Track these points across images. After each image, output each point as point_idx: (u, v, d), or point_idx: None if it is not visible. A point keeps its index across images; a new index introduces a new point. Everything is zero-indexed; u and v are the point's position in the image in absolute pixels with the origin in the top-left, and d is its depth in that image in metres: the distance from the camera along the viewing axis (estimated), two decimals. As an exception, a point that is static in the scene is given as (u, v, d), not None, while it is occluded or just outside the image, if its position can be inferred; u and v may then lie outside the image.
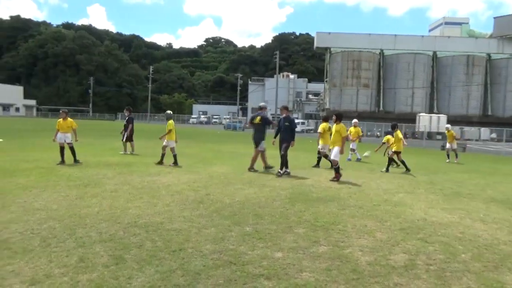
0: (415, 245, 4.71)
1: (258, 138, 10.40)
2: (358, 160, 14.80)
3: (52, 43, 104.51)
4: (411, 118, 46.79)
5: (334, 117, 9.84)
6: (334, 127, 9.65)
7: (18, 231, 4.62)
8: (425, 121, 43.20)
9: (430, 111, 53.21)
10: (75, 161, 10.69)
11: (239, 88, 78.96)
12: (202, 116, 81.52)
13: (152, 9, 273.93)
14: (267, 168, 10.50)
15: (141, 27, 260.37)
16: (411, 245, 4.68)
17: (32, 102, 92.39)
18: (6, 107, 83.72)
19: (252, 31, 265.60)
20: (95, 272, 3.53)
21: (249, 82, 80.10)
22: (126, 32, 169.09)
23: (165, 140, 11.47)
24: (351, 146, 15.02)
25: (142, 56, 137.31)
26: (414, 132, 44.70)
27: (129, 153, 13.92)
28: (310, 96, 74.22)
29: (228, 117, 71.56)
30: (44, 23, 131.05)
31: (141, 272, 3.56)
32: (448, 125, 18.59)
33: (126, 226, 4.98)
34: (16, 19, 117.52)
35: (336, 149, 9.45)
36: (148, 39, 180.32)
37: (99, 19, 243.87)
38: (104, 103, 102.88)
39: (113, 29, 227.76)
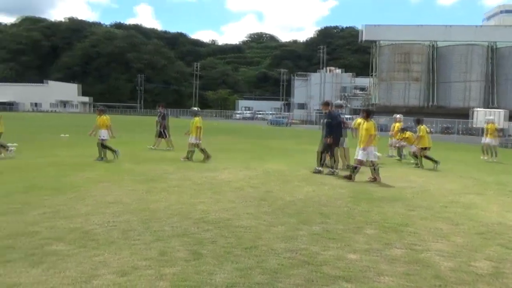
0: (497, 251, 4.43)
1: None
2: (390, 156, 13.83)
3: (104, 42, 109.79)
4: (464, 114, 44.28)
5: (363, 114, 9.34)
6: (365, 124, 8.92)
7: (97, 223, 4.87)
8: (482, 116, 40.69)
9: (486, 105, 50.05)
10: (100, 158, 10.51)
11: (282, 83, 78.62)
12: (246, 112, 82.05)
13: (196, 6, 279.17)
14: (347, 167, 10.08)
15: (186, 24, 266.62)
16: (492, 251, 4.41)
17: (87, 99, 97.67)
18: (64, 104, 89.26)
19: (294, 26, 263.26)
20: (177, 266, 3.64)
21: (293, 77, 79.43)
22: (172, 29, 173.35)
23: (192, 137, 11.31)
24: (390, 142, 13.97)
25: (187, 53, 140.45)
26: (469, 128, 42.29)
27: (165, 148, 13.95)
28: (357, 91, 72.40)
29: (272, 112, 71.62)
30: (96, 23, 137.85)
31: (220, 268, 3.62)
32: (491, 117, 16.83)
33: (196, 221, 5.10)
34: (71, 21, 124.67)
35: (363, 148, 8.72)
36: (192, 36, 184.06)
37: (146, 18, 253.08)
38: (152, 99, 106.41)
39: (159, 27, 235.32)
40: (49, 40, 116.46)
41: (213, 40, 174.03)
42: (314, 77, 73.28)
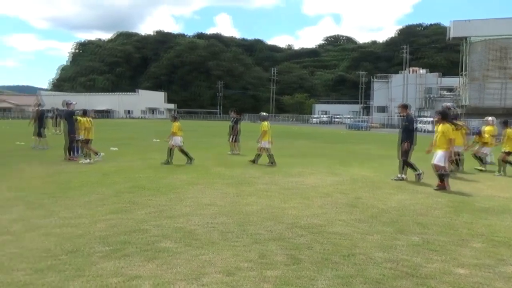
0: None
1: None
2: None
3: (188, 52, 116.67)
4: None
5: (437, 117, 8.54)
6: (440, 127, 8.20)
7: (198, 224, 5.19)
8: None
9: None
10: (166, 162, 10.93)
11: (361, 86, 76.12)
12: (323, 116, 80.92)
13: (272, 13, 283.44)
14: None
15: (263, 31, 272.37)
16: None
17: (172, 106, 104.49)
18: (152, 111, 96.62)
19: (374, 26, 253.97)
20: (278, 269, 3.73)
21: (373, 79, 76.45)
22: (249, 37, 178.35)
23: (261, 142, 11.45)
24: (482, 150, 11.57)
25: (264, 59, 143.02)
26: None
27: (236, 153, 14.15)
28: (444, 92, 67.27)
29: (351, 116, 69.66)
30: (181, 35, 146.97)
31: (321, 275, 3.63)
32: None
33: (289, 226, 5.18)
34: (159, 33, 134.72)
35: (440, 153, 8.01)
36: (269, 42, 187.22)
37: (225, 27, 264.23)
38: (231, 105, 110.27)
39: (237, 35, 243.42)
40: (140, 52, 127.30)
41: (289, 45, 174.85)
42: (396, 78, 69.80)
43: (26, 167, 10.24)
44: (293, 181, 8.56)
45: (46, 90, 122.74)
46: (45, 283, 3.37)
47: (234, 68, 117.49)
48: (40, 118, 15.64)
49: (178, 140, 11.30)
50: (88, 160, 11.21)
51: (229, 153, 14.29)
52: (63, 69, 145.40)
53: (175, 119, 11.65)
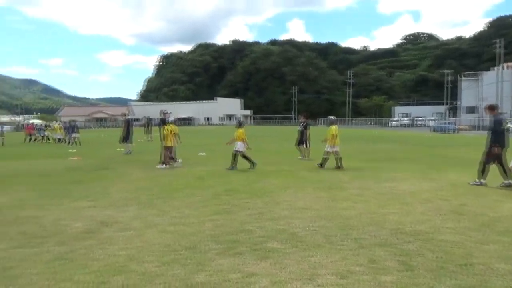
0: None
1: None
2: None
3: (262, 59, 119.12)
4: None
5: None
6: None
7: (299, 227, 5.30)
8: None
9: None
10: (231, 167, 11.19)
11: (446, 85, 70.85)
12: (404, 119, 76.78)
13: (345, 15, 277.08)
14: None
15: (336, 33, 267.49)
16: None
17: (248, 112, 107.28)
18: (230, 117, 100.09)
19: (457, 20, 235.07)
20: (392, 275, 3.67)
21: (460, 78, 70.68)
22: (323, 40, 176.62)
23: (328, 145, 11.35)
24: None
25: (338, 62, 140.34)
26: None
27: (305, 159, 13.83)
28: (547, 89, 59.72)
29: (435, 118, 65.18)
30: (256, 43, 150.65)
31: (439, 283, 3.49)
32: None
33: (393, 232, 5.04)
34: (235, 42, 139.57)
35: None
36: (343, 44, 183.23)
37: (298, 32, 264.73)
38: (306, 109, 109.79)
39: (310, 39, 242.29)
40: (217, 62, 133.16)
41: (364, 46, 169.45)
42: (487, 76, 63.80)
43: (129, 171, 11.31)
44: (387, 186, 8.29)
45: (135, 100, 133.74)
46: (173, 274, 3.72)
47: (308, 73, 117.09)
48: (127, 126, 17.23)
49: (240, 145, 11.46)
50: (164, 166, 11.89)
51: (299, 158, 14.11)
52: (149, 80, 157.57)
53: (240, 125, 11.86)
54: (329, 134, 11.42)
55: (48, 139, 28.78)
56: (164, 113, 13.25)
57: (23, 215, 6.22)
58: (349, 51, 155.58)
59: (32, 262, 4.11)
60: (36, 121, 52.86)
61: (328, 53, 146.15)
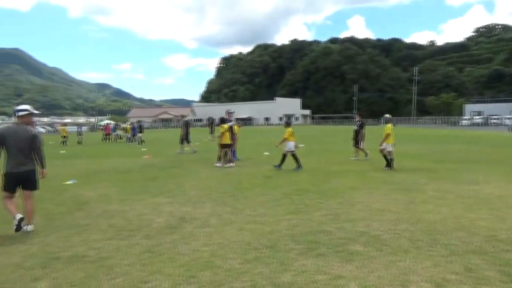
0: None
1: None
2: None
3: (322, 58, 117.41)
4: None
5: None
6: None
7: (380, 230, 5.07)
8: None
9: None
10: (278, 166, 11.13)
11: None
12: (476, 117, 71.22)
13: (410, 9, 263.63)
14: None
15: (400, 29, 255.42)
16: None
17: (307, 112, 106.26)
18: (288, 117, 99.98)
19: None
20: (495, 286, 3.36)
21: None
22: (385, 37, 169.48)
23: (383, 144, 11.02)
24: None
25: (402, 59, 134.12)
26: None
27: (358, 158, 13.28)
28: None
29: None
30: (315, 41, 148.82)
31: (553, 298, 3.14)
32: None
33: (487, 239, 4.64)
34: (294, 42, 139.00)
35: None
36: (407, 40, 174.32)
37: (358, 29, 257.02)
38: (367, 109, 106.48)
39: (371, 36, 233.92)
40: (276, 62, 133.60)
41: (431, 41, 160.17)
42: None
43: (198, 169, 11.68)
44: (470, 189, 7.69)
45: (197, 102, 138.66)
46: (258, 273, 3.73)
47: (370, 70, 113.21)
48: (186, 127, 17.82)
49: (291, 145, 11.35)
50: (219, 164, 12.14)
51: (352, 158, 13.58)
52: (210, 82, 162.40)
53: (288, 125, 11.73)
54: (384, 133, 11.13)
55: (120, 138, 30.86)
56: (229, 112, 13.53)
57: (110, 208, 6.66)
58: (414, 46, 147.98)
59: (124, 254, 4.37)
60: (110, 122, 56.82)
61: (391, 49, 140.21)
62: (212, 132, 28.50)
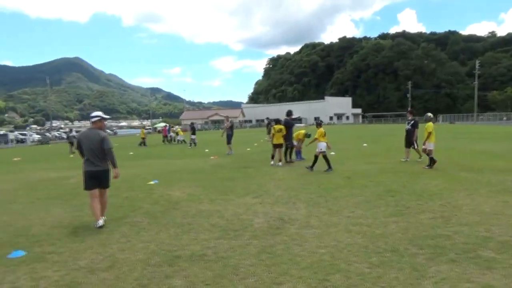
0: None
1: None
2: None
3: (373, 55, 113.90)
4: None
5: None
6: None
7: (507, 235, 4.68)
8: None
9: None
10: (328, 168, 10.74)
11: None
12: (549, 112, 65.59)
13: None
14: None
15: (454, 21, 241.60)
16: None
17: (358, 111, 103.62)
18: (339, 116, 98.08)
19: None
20: None
21: None
22: (439, 30, 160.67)
23: (426, 143, 10.88)
24: None
25: (460, 52, 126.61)
26: None
27: (419, 159, 12.29)
28: None
29: None
30: (364, 38, 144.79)
31: None
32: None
33: None
34: (342, 40, 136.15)
35: None
36: (463, 32, 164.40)
37: (410, 23, 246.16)
38: (422, 106, 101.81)
39: (423, 29, 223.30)
40: (324, 61, 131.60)
41: (491, 32, 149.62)
42: None
43: (270, 170, 11.66)
44: None
45: (245, 103, 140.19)
46: (393, 278, 3.55)
47: (425, 66, 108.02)
48: (230, 129, 17.93)
49: (323, 146, 11.04)
50: (272, 163, 12.72)
51: (403, 160, 12.55)
52: (258, 83, 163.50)
53: (319, 125, 11.42)
54: (426, 132, 10.95)
55: (174, 140, 31.86)
56: (288, 113, 13.48)
57: (203, 208, 6.77)
58: (472, 39, 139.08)
59: (241, 254, 4.37)
60: (166, 125, 59.08)
61: (446, 43, 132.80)
62: (268, 132, 28.58)
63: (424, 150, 11.10)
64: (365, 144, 20.73)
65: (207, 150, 21.09)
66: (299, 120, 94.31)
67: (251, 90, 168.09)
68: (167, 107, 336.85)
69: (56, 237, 5.29)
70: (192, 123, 29.13)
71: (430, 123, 11.09)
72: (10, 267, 4.21)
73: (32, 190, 9.45)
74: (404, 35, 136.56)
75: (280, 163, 12.63)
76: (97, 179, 5.77)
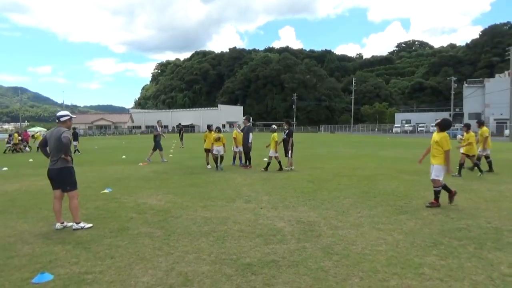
0: None
1: None
2: None
3: (262, 66, 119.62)
4: None
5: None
6: (434, 135, 7.06)
7: None
8: None
9: None
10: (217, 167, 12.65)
11: (452, 92, 72.38)
12: (406, 125, 77.98)
13: (336, 22, 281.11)
14: None
15: (327, 41, 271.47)
16: None
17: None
18: (231, 124, 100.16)
19: (446, 27, 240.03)
20: None
21: (465, 85, 72.37)
22: (314, 47, 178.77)
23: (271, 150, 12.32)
24: None
25: (335, 69, 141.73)
26: None
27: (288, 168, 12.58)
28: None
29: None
30: (254, 50, 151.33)
31: None
32: None
33: None
34: (233, 50, 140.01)
35: (437, 167, 6.87)
36: (336, 51, 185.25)
37: (289, 39, 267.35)
38: (305, 117, 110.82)
39: (301, 46, 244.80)
40: (215, 69, 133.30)
41: (359, 54, 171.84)
42: (490, 83, 65.30)
43: (226, 175, 11.43)
44: None
45: (132, 108, 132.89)
46: (472, 267, 3.95)
47: (307, 80, 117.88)
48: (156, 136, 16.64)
49: (272, 152, 12.36)
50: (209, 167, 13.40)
51: (286, 168, 12.46)
52: (145, 88, 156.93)
53: (274, 131, 12.75)
54: (273, 141, 12.23)
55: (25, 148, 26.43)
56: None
57: (204, 215, 6.37)
58: (344, 58, 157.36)
59: (309, 257, 4.30)
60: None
61: (323, 60, 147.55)
62: (182, 139, 27.77)
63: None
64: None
65: (124, 157, 19.52)
66: (192, 127, 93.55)
67: (137, 95, 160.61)
68: (34, 110, 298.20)
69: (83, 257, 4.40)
70: (74, 128, 25.84)
71: (275, 134, 12.38)
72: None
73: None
74: (287, 50, 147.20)
75: (220, 166, 12.93)
76: (52, 179, 5.74)
